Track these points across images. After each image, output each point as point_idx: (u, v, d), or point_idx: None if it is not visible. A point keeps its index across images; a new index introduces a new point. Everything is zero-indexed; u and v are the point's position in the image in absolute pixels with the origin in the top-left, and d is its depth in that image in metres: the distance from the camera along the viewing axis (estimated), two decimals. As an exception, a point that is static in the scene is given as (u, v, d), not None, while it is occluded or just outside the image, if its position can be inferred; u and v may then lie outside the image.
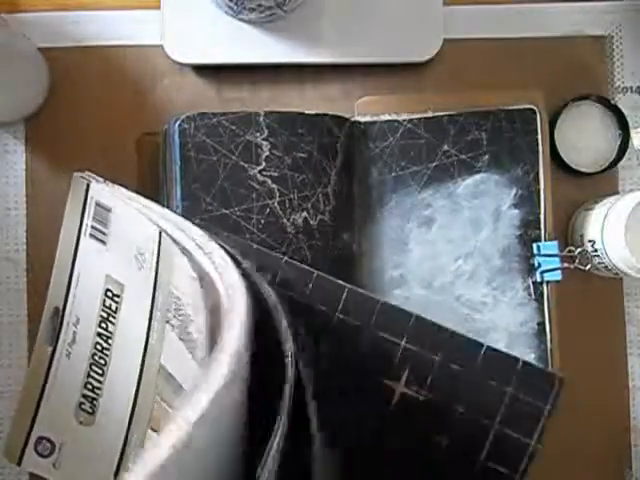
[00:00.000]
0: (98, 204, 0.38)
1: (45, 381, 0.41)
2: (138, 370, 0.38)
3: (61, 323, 0.41)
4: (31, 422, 0.42)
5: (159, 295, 0.36)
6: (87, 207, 0.39)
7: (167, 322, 0.37)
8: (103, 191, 0.38)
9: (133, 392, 0.38)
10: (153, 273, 0.35)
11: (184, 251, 0.36)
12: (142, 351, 0.37)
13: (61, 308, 0.41)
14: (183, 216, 0.38)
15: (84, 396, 0.41)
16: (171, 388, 0.38)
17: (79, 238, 0.40)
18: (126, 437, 0.39)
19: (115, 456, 0.39)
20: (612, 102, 0.46)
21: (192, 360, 0.37)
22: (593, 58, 0.47)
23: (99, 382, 0.40)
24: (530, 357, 0.42)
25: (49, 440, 0.41)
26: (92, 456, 0.41)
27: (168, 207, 0.40)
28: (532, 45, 0.47)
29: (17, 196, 0.46)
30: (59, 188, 0.45)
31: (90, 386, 0.40)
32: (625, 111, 0.46)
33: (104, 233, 0.38)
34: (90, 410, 0.41)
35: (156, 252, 0.34)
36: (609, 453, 0.46)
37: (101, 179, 0.39)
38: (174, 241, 0.36)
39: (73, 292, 0.40)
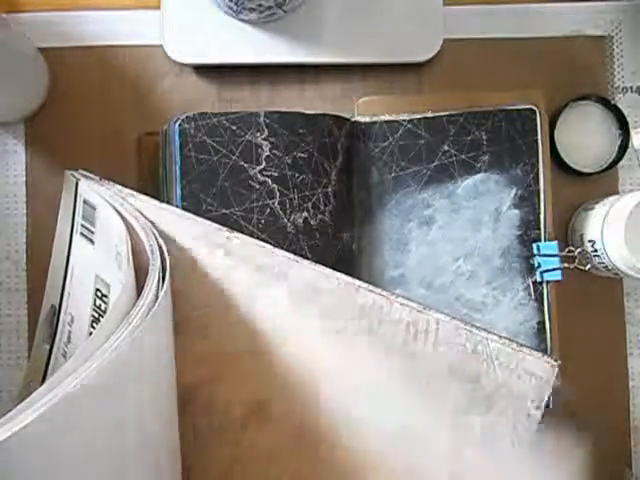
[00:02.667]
0: (85, 202, 0.38)
1: (43, 379, 0.41)
2: None
3: (57, 322, 0.41)
4: None
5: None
6: (77, 205, 0.39)
7: None
8: (89, 188, 0.37)
9: None
10: (127, 274, 0.35)
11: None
12: None
13: (57, 306, 0.41)
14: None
15: None
16: None
17: (72, 236, 0.40)
18: None
19: None
20: (612, 102, 0.46)
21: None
22: (593, 58, 0.47)
23: None
24: (530, 357, 0.42)
25: None
26: None
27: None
28: (532, 45, 0.47)
29: (17, 196, 0.46)
30: (59, 188, 0.45)
31: None
32: (625, 111, 0.46)
33: (92, 232, 0.38)
34: None
35: (126, 252, 0.34)
36: (609, 453, 0.46)
37: (95, 177, 0.39)
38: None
39: (68, 290, 0.40)
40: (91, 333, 0.39)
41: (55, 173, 0.46)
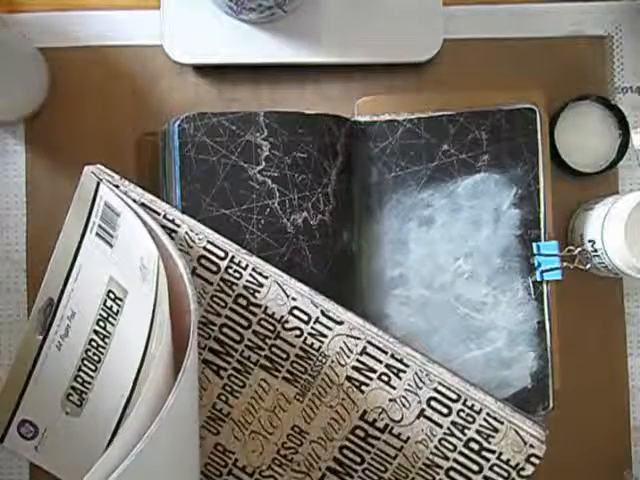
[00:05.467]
0: (107, 205, 0.38)
1: (32, 367, 0.42)
2: (134, 375, 0.38)
3: (54, 314, 0.41)
4: (16, 404, 0.42)
5: (158, 314, 0.36)
6: (95, 205, 0.39)
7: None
8: (112, 193, 0.38)
9: (126, 395, 0.38)
10: (154, 292, 0.36)
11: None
12: (140, 358, 0.37)
13: (56, 300, 0.41)
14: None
15: (73, 388, 0.41)
16: None
17: (84, 234, 0.40)
18: (113, 435, 0.39)
19: (98, 452, 0.39)
20: (612, 102, 0.46)
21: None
22: (593, 58, 0.47)
23: (90, 377, 0.40)
24: (530, 356, 0.42)
25: (32, 424, 0.42)
26: (75, 446, 0.41)
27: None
28: (532, 45, 0.47)
29: (17, 196, 0.46)
30: (59, 188, 0.45)
31: (80, 380, 0.41)
32: (625, 111, 0.46)
33: (111, 235, 0.38)
34: (78, 402, 0.41)
35: (156, 272, 0.35)
36: (609, 453, 0.46)
37: (114, 174, 0.39)
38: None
39: (71, 286, 0.41)
40: (96, 331, 0.39)
41: (55, 173, 0.46)
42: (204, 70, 0.46)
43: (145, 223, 0.36)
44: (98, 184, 0.38)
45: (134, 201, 0.37)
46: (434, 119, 0.43)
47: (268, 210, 0.40)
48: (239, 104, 0.46)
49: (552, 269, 0.42)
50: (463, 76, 0.47)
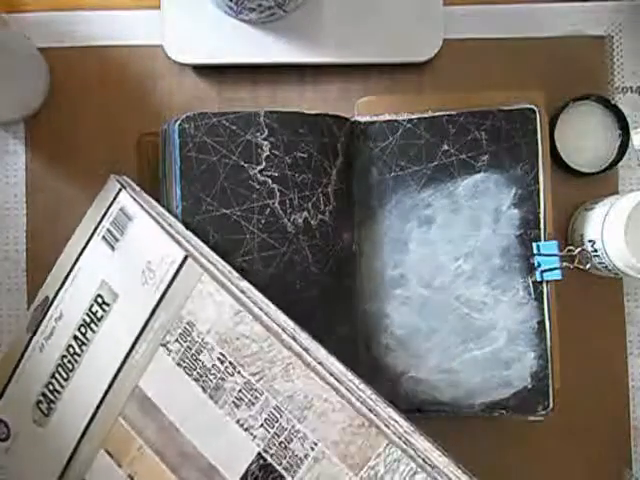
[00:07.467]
0: (122, 210, 0.38)
1: (16, 366, 0.41)
2: (105, 386, 0.37)
3: (45, 314, 0.40)
4: None
5: (160, 316, 0.36)
6: (111, 210, 0.39)
7: (163, 345, 0.36)
8: (132, 200, 0.38)
9: (94, 406, 0.37)
10: (159, 293, 0.35)
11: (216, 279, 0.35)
12: (116, 368, 0.37)
13: (50, 299, 0.41)
14: (182, 221, 0.38)
15: (43, 395, 0.40)
16: (142, 411, 0.37)
17: (92, 237, 0.40)
18: (75, 449, 0.38)
19: (61, 465, 0.38)
20: (612, 102, 0.46)
21: (195, 387, 0.36)
22: (593, 58, 0.47)
23: (61, 386, 0.39)
24: (530, 356, 0.42)
25: (6, 425, 0.41)
26: (40, 457, 0.40)
27: (168, 207, 0.40)
28: (532, 45, 0.47)
29: (17, 196, 0.46)
30: (59, 188, 0.45)
31: (52, 387, 0.39)
32: (625, 111, 0.46)
33: (116, 239, 0.38)
34: (46, 411, 0.40)
35: (172, 274, 0.34)
36: (609, 453, 0.46)
37: (136, 186, 0.39)
38: (204, 267, 0.36)
39: (66, 287, 0.40)
40: (75, 337, 0.39)
41: (55, 173, 0.46)
42: (204, 70, 0.46)
43: (164, 228, 0.36)
44: (119, 191, 0.38)
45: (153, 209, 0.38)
46: (434, 119, 0.43)
47: (268, 210, 0.40)
48: (239, 104, 0.46)
49: (552, 269, 0.42)
50: (463, 76, 0.47)
